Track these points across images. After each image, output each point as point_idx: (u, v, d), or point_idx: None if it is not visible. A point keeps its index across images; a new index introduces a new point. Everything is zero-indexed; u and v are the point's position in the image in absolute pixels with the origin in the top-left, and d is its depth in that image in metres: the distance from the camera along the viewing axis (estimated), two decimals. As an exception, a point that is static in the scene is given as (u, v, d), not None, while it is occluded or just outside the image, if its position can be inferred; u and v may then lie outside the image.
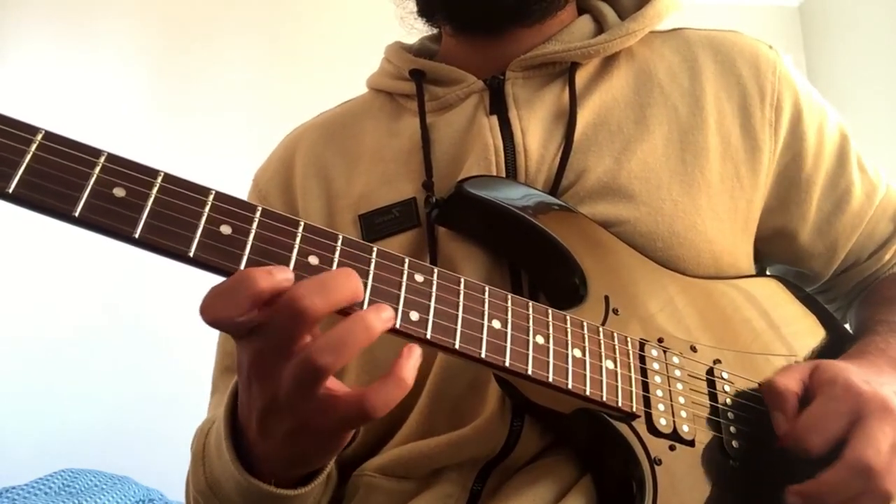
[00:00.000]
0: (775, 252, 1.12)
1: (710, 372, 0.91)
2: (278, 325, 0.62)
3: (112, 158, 0.62)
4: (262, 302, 0.61)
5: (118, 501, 2.61)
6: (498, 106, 1.03)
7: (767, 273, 1.16)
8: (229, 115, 3.63)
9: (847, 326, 1.16)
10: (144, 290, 3.37)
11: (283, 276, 0.62)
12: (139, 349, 3.31)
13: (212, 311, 0.61)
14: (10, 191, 0.57)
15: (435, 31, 1.21)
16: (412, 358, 0.65)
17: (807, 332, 1.05)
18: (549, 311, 0.81)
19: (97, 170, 0.61)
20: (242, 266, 0.64)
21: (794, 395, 0.86)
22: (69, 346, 3.30)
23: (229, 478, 0.80)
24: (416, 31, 1.20)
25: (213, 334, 1.13)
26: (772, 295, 1.05)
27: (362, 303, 0.68)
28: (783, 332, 1.02)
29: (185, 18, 3.81)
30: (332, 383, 0.65)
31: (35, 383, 3.25)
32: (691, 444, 0.85)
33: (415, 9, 1.15)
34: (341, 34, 3.77)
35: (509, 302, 0.78)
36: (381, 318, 0.64)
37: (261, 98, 3.66)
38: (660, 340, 0.89)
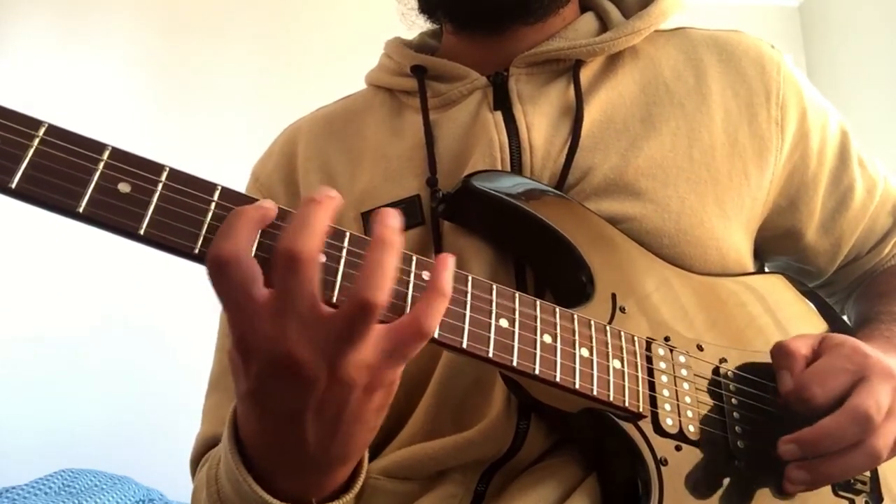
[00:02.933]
0: (781, 250, 1.13)
1: (716, 371, 0.91)
2: (287, 283, 0.60)
3: (116, 153, 0.61)
4: (258, 230, 0.62)
5: (118, 501, 2.61)
6: (502, 102, 1.02)
7: (768, 270, 1.16)
8: (229, 115, 3.62)
9: (844, 318, 1.17)
10: (145, 289, 3.36)
11: (268, 203, 0.64)
12: (139, 349, 3.30)
13: (216, 250, 0.60)
14: (13, 186, 0.56)
15: (435, 27, 1.20)
16: (447, 268, 0.66)
17: (812, 330, 1.03)
18: (557, 309, 0.80)
19: (101, 165, 0.60)
20: None
21: (803, 357, 0.88)
22: (69, 345, 3.29)
23: None
24: (416, 27, 1.19)
25: (213, 334, 1.12)
26: (778, 292, 1.05)
27: None
28: (789, 329, 1.01)
29: (186, 17, 3.80)
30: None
31: (35, 383, 3.24)
32: (697, 444, 0.85)
33: (415, 5, 1.14)
34: (342, 33, 3.76)
35: (517, 301, 0.77)
36: (394, 226, 0.63)
37: (261, 97, 3.65)
38: (666, 339, 0.89)
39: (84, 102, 3.54)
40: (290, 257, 0.59)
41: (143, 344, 3.31)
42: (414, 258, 0.71)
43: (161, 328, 3.32)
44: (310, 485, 0.73)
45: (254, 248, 0.62)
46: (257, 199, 0.66)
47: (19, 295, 3.35)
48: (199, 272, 0.63)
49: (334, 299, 0.65)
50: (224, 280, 0.61)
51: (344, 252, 0.67)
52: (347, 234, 0.68)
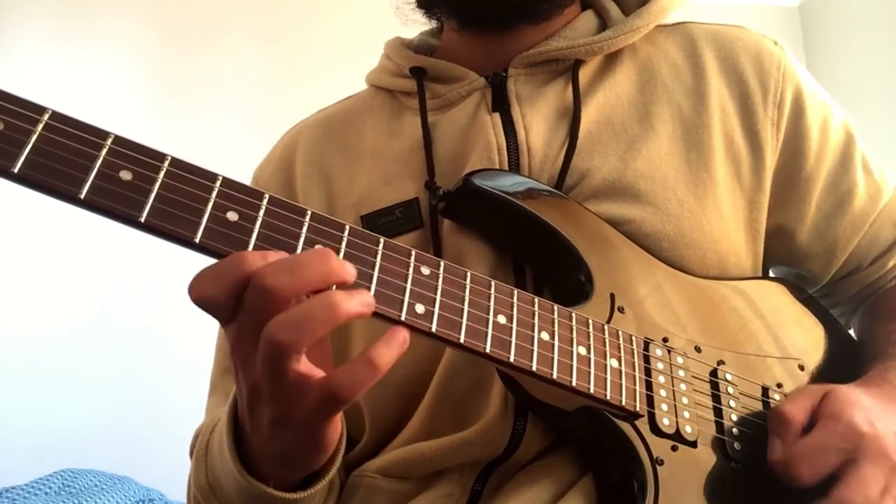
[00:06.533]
0: (773, 251, 1.09)
1: (713, 373, 0.91)
2: (248, 306, 0.61)
3: (119, 141, 0.61)
4: (246, 283, 0.60)
5: (118, 501, 2.60)
6: (500, 103, 1.02)
7: (772, 275, 1.14)
8: (229, 118, 3.62)
9: (851, 332, 1.14)
10: (146, 289, 3.37)
11: (276, 258, 0.61)
12: (139, 349, 3.30)
13: (198, 290, 0.60)
14: (16, 171, 0.57)
15: (433, 24, 1.20)
16: (392, 343, 0.62)
17: (809, 337, 1.04)
18: (555, 307, 0.80)
19: (104, 152, 0.60)
20: None
21: (799, 425, 0.85)
22: (69, 345, 3.29)
23: (230, 477, 0.78)
24: (411, 23, 1.18)
25: (214, 333, 1.12)
26: (776, 298, 1.04)
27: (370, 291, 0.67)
28: (786, 335, 1.01)
29: (185, 20, 3.80)
30: (308, 368, 0.62)
31: (35, 383, 3.24)
32: (693, 444, 0.85)
33: (412, 1, 1.15)
34: (342, 36, 3.76)
35: (515, 297, 0.77)
36: (354, 300, 0.61)
37: (261, 99, 3.65)
38: (664, 340, 0.89)
39: (83, 104, 3.52)
40: (266, 291, 0.60)
41: (143, 344, 3.31)
42: (413, 252, 0.72)
43: (161, 328, 3.31)
44: (260, 459, 0.76)
45: None
46: (260, 192, 0.66)
47: (18, 293, 3.35)
48: (197, 270, 0.63)
49: None
50: (261, 306, 0.61)
51: (344, 244, 0.68)
52: (347, 227, 0.69)
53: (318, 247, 0.65)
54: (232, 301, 0.61)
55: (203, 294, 0.60)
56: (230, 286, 0.60)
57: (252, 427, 0.70)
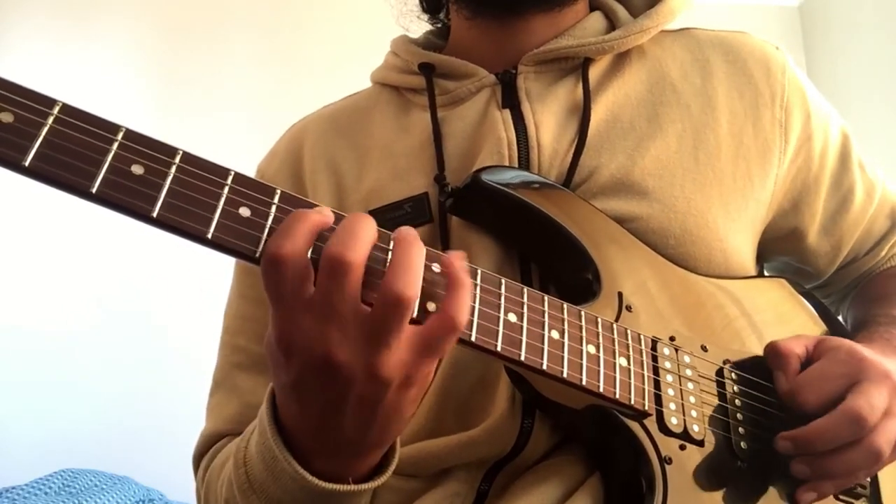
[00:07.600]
0: (783, 251, 1.13)
1: (720, 372, 0.91)
2: (331, 288, 0.62)
3: (130, 134, 0.61)
4: (317, 234, 0.63)
5: (118, 501, 2.60)
6: (510, 100, 1.02)
7: (767, 272, 1.17)
8: (229, 117, 3.61)
9: (840, 318, 1.18)
10: (147, 289, 3.36)
11: (326, 210, 0.66)
12: (140, 349, 3.30)
13: (275, 248, 0.62)
14: (27, 164, 0.56)
15: (436, 27, 1.20)
16: (459, 261, 0.67)
17: (812, 334, 1.04)
18: (564, 306, 0.80)
19: (115, 146, 0.60)
20: (260, 249, 0.63)
21: (796, 357, 0.90)
22: (69, 345, 3.28)
23: (298, 495, 0.75)
24: (412, 31, 1.19)
25: (216, 332, 1.12)
26: (781, 296, 1.06)
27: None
28: (790, 334, 1.00)
29: (185, 18, 3.80)
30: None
31: (35, 383, 3.24)
32: (701, 443, 0.85)
33: (415, 5, 1.14)
34: (342, 36, 3.76)
35: (525, 296, 0.77)
36: (414, 231, 0.67)
37: (261, 99, 3.64)
38: (671, 339, 0.89)
39: (84, 104, 3.51)
40: (338, 263, 0.62)
41: (143, 344, 3.31)
42: (424, 250, 0.72)
43: (162, 328, 3.31)
44: (346, 466, 0.74)
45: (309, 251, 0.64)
46: (272, 187, 0.66)
47: (19, 293, 3.34)
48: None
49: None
50: (278, 278, 0.63)
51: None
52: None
53: (352, 213, 0.67)
54: (307, 256, 0.63)
55: (283, 250, 0.62)
56: (307, 237, 0.63)
57: (359, 420, 0.69)
